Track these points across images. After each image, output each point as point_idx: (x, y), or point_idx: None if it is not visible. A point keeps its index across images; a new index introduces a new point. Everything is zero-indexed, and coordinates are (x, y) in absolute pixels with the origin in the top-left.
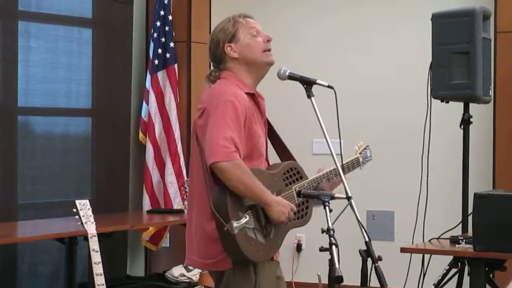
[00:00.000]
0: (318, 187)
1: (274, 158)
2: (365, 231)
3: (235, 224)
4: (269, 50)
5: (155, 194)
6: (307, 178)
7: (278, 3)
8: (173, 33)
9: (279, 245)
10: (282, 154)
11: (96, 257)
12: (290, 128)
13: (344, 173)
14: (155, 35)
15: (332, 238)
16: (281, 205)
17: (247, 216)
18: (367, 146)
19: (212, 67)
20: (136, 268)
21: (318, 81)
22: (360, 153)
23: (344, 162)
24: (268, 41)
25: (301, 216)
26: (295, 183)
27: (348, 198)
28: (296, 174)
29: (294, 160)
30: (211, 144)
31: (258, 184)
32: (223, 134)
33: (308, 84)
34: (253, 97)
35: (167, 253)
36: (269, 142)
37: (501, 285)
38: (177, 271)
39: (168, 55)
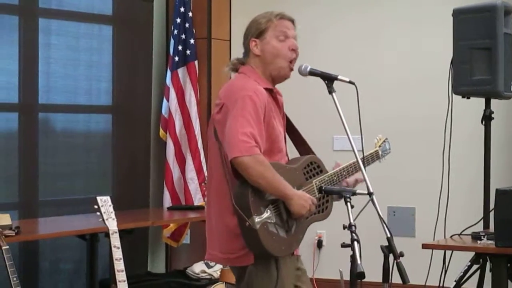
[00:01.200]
0: (341, 181)
1: (293, 152)
2: (387, 227)
3: (256, 219)
4: (291, 61)
5: (175, 191)
6: (327, 172)
7: (299, 1)
8: (193, 30)
9: (300, 240)
10: (301, 148)
11: (117, 253)
12: (310, 124)
13: (364, 166)
14: (175, 32)
15: (354, 234)
16: (302, 199)
17: (268, 211)
18: (386, 138)
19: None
20: (157, 265)
21: (339, 77)
22: (379, 146)
23: (361, 156)
24: (293, 50)
25: (322, 210)
26: (316, 177)
27: (370, 194)
28: (317, 168)
29: (314, 154)
30: (231, 139)
31: (279, 178)
32: (243, 129)
33: (329, 80)
34: (271, 92)
35: (188, 250)
36: (288, 137)
37: None
38: (198, 268)
39: (188, 52)
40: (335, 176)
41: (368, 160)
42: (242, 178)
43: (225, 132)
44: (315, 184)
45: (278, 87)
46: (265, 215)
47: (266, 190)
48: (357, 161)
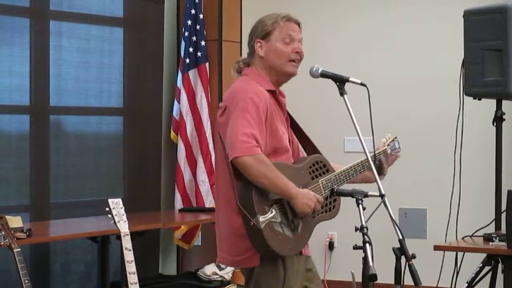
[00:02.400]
0: (381, 162)
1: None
2: (399, 229)
3: (261, 218)
4: (294, 61)
5: (187, 193)
6: (334, 171)
7: (309, 2)
8: (204, 32)
9: (307, 239)
10: (307, 147)
11: (129, 255)
12: (321, 126)
13: (375, 165)
14: (186, 34)
15: (365, 236)
16: (306, 197)
17: (273, 210)
18: (395, 137)
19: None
20: (168, 267)
21: (350, 79)
22: (388, 145)
23: (371, 155)
24: (297, 52)
25: (329, 209)
26: (322, 177)
27: (382, 196)
28: (323, 167)
29: (319, 153)
30: (232, 140)
31: (281, 178)
32: (243, 130)
33: (340, 81)
34: (274, 94)
35: (199, 252)
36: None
37: None
38: (210, 270)
39: (199, 53)
40: (342, 175)
41: (377, 159)
42: (244, 179)
43: (226, 134)
44: (321, 183)
45: (289, 88)
46: (270, 214)
47: (269, 190)
48: (369, 161)
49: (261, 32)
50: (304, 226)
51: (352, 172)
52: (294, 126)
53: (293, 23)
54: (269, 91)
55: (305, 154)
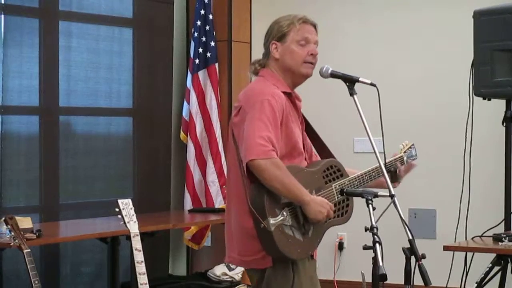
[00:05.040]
0: (398, 168)
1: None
2: (409, 229)
3: (271, 221)
4: (310, 63)
5: (196, 193)
6: (348, 176)
7: (320, 2)
8: (214, 32)
9: (317, 243)
10: (321, 151)
11: (139, 256)
12: (331, 126)
13: (388, 171)
14: (195, 34)
15: (375, 236)
16: (319, 205)
17: (284, 213)
18: (412, 144)
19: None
20: (178, 267)
21: (360, 79)
22: (404, 152)
23: (387, 161)
24: (312, 55)
25: (342, 214)
26: (335, 181)
27: (392, 196)
28: (337, 172)
29: (334, 157)
30: (248, 142)
31: (295, 183)
32: (260, 133)
33: (350, 82)
34: (290, 96)
35: (209, 252)
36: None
37: None
38: (219, 270)
39: (209, 54)
40: (356, 180)
41: (392, 165)
42: (257, 181)
43: (242, 135)
44: (335, 188)
45: (299, 87)
46: (281, 217)
47: (282, 194)
48: (379, 162)
49: (277, 33)
50: (315, 230)
51: (366, 178)
52: (308, 130)
53: (309, 25)
54: (285, 93)
55: (319, 158)
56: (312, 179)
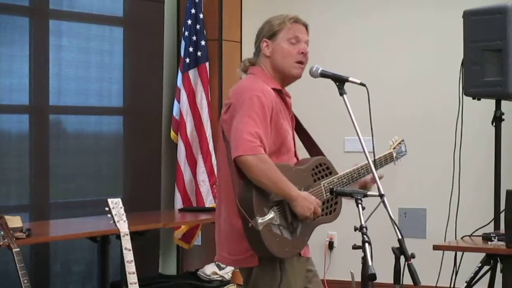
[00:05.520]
0: (353, 183)
1: (303, 154)
2: (398, 228)
3: (259, 220)
4: (301, 62)
5: (187, 193)
6: (337, 174)
7: (310, 3)
8: (205, 32)
9: (306, 242)
10: (311, 149)
11: (128, 255)
12: (322, 126)
13: (377, 168)
14: (186, 33)
15: (365, 236)
16: (307, 201)
17: (272, 212)
18: (402, 140)
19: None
20: (168, 267)
21: (350, 79)
22: (394, 148)
23: (376, 157)
24: (303, 53)
25: (330, 212)
26: (324, 179)
27: (381, 195)
28: (326, 169)
29: (323, 155)
30: (236, 138)
31: (283, 179)
32: (248, 129)
33: (340, 81)
34: (280, 93)
35: (199, 251)
36: (298, 138)
37: None
38: (210, 269)
39: (199, 53)
40: (345, 178)
41: (382, 162)
42: (246, 179)
43: (231, 132)
44: (324, 186)
45: (289, 87)
46: (269, 216)
47: (270, 190)
48: (368, 161)
49: (268, 32)
50: (304, 228)
51: (355, 175)
52: (298, 128)
53: (301, 24)
54: (275, 90)
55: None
56: (301, 177)
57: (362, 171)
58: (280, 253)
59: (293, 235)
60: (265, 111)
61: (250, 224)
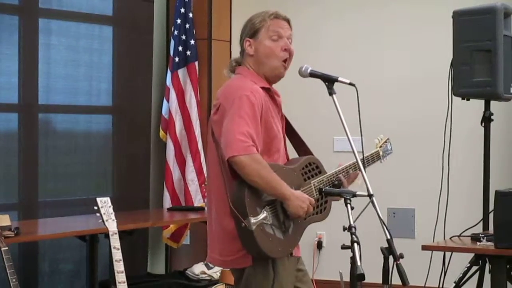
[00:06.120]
0: (340, 183)
1: (292, 154)
2: (387, 228)
3: (252, 220)
4: (285, 61)
5: (175, 192)
6: (326, 173)
7: (298, 1)
8: (194, 31)
9: (297, 241)
10: (300, 149)
11: (117, 254)
12: (311, 126)
13: (364, 167)
14: (175, 32)
15: (354, 236)
16: (299, 199)
17: (264, 212)
18: (388, 139)
19: None
20: (157, 266)
21: (339, 79)
22: (380, 147)
23: (364, 156)
24: (286, 50)
25: (320, 211)
26: (314, 178)
27: (370, 195)
28: (315, 168)
29: (312, 154)
30: (228, 139)
31: (276, 178)
32: (239, 129)
33: (329, 81)
34: (269, 91)
35: (188, 251)
36: (287, 137)
37: None
38: (198, 269)
39: (188, 52)
40: (333, 177)
41: (369, 160)
42: (239, 179)
43: (222, 132)
44: (313, 185)
45: (278, 87)
46: (261, 216)
47: (263, 190)
48: (357, 162)
49: (250, 30)
50: (295, 227)
51: (344, 174)
52: (287, 127)
53: (282, 19)
54: (263, 88)
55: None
56: (292, 177)
57: (350, 170)
58: (273, 253)
59: (285, 235)
60: (255, 110)
61: (243, 224)
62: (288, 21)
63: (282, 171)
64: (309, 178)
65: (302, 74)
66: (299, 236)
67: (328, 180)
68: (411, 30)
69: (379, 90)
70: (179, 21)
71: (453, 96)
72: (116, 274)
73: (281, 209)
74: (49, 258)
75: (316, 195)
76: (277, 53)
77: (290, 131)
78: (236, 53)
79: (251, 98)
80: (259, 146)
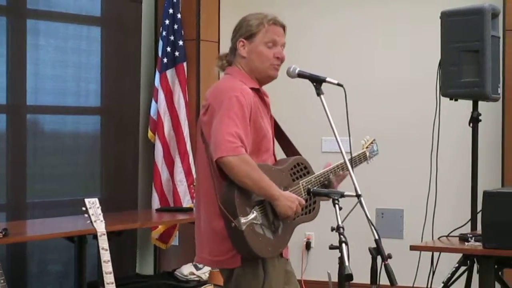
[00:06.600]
0: (330, 182)
1: (280, 155)
2: (375, 229)
3: (242, 220)
4: (276, 65)
5: (164, 193)
6: (314, 173)
7: (287, 1)
8: (182, 31)
9: (287, 241)
10: (288, 150)
11: (105, 255)
12: (299, 126)
13: (352, 167)
14: (164, 33)
15: (342, 236)
16: (288, 200)
17: (254, 212)
18: (374, 140)
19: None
20: (146, 267)
21: (327, 79)
22: (366, 147)
23: (348, 154)
24: (278, 58)
25: (309, 211)
26: (302, 178)
27: (358, 196)
28: (304, 169)
29: (300, 155)
30: (217, 140)
31: (265, 179)
32: (228, 130)
33: (317, 82)
34: (258, 92)
35: (177, 252)
36: (275, 138)
37: (511, 282)
38: (187, 270)
39: (177, 53)
40: (321, 177)
41: (356, 161)
42: (228, 180)
43: (211, 133)
44: (302, 185)
45: (266, 88)
46: (251, 216)
47: (252, 190)
48: (345, 162)
49: (245, 32)
50: (285, 228)
51: (331, 174)
52: (275, 128)
53: (279, 26)
54: (253, 89)
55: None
56: (280, 177)
57: (338, 170)
58: (263, 253)
59: (275, 234)
60: (244, 111)
61: (233, 224)
62: (284, 28)
63: (270, 171)
64: (297, 178)
65: (290, 74)
66: (288, 236)
67: (316, 180)
68: (400, 31)
69: (368, 91)
70: (167, 22)
71: (441, 97)
72: (104, 275)
73: (271, 209)
74: (38, 259)
75: (305, 195)
76: (270, 60)
77: (278, 132)
78: None
79: (240, 98)
80: (248, 146)
